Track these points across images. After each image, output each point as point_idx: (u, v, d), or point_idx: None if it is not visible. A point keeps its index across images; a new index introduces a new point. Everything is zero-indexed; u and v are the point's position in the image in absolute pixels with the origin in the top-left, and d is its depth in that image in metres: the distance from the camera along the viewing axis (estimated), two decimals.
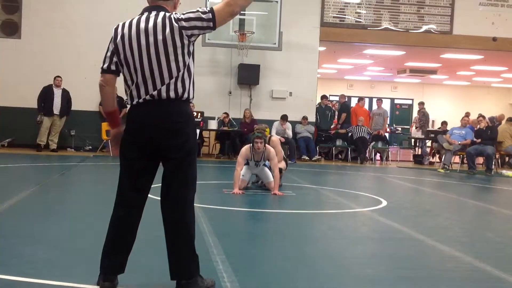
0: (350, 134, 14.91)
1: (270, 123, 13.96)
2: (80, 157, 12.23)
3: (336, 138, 15.05)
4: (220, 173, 11.32)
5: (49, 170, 9.99)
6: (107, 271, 3.20)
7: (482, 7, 15.18)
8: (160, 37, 3.07)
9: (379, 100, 16.78)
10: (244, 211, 6.33)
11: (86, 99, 13.78)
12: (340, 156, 15.34)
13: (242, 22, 13.20)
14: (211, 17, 3.08)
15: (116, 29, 3.20)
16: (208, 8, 3.09)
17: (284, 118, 13.80)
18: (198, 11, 3.09)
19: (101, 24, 13.94)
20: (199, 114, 13.39)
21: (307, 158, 14.05)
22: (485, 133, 13.03)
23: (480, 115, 14.49)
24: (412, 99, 27.86)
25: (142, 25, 3.12)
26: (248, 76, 14.20)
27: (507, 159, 15.17)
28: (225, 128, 13.60)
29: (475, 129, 13.70)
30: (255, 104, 14.50)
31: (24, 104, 13.44)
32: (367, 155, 14.72)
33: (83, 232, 4.83)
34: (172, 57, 3.09)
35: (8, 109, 13.57)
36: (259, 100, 14.59)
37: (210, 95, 14.29)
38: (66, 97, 13.24)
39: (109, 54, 3.22)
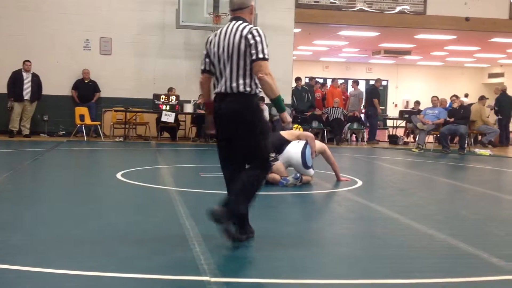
0: (326, 115, 14.97)
1: None
2: (53, 142, 12.06)
3: (312, 119, 15.10)
4: (196, 156, 11.29)
5: (22, 156, 9.83)
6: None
7: None
8: (234, 45, 3.83)
9: (355, 82, 16.84)
10: (221, 194, 6.32)
11: (58, 83, 13.57)
12: (316, 138, 15.40)
13: (216, 4, 13.05)
14: (262, 62, 3.81)
15: (208, 37, 4.05)
16: (266, 57, 3.84)
17: (261, 100, 13.74)
18: (263, 50, 3.83)
19: (76, 8, 13.72)
20: (175, 97, 13.28)
21: None
22: (458, 113, 13.21)
23: (454, 95, 14.66)
24: (387, 80, 28.07)
25: (222, 34, 3.92)
26: None
27: (479, 137, 15.41)
28: (201, 111, 13.52)
29: (449, 108, 13.86)
30: None
31: None
32: (342, 136, 14.82)
33: (57, 218, 4.78)
34: (242, 61, 3.83)
35: None
36: None
37: (186, 79, 14.18)
38: (36, 82, 12.98)
39: (203, 57, 4.03)
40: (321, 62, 26.88)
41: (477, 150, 13.28)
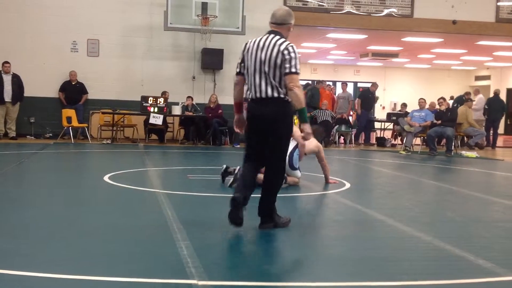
0: (314, 117, 15.00)
1: None
2: (40, 144, 11.96)
3: None
4: (184, 158, 11.26)
5: (8, 159, 9.74)
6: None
7: None
8: (272, 58, 4.28)
9: (344, 83, 16.88)
10: (209, 197, 6.31)
11: (45, 85, 13.47)
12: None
13: (204, 6, 13.05)
14: (294, 75, 4.23)
15: (246, 44, 4.49)
16: (298, 71, 4.26)
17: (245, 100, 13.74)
18: (296, 65, 4.23)
19: (63, 9, 13.63)
20: (163, 99, 13.23)
21: None
22: (445, 115, 13.29)
23: (441, 98, 14.76)
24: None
25: (260, 45, 4.36)
26: (212, 60, 14.08)
27: (466, 140, 15.52)
28: (189, 113, 13.50)
29: (437, 111, 13.94)
30: (220, 89, 14.42)
31: None
32: (331, 138, 14.86)
33: (43, 221, 4.74)
34: (278, 72, 4.28)
35: None
36: (223, 85, 14.48)
37: (174, 80, 14.16)
38: (17, 83, 12.82)
39: (239, 61, 4.54)
40: (309, 65, 26.94)
41: (464, 152, 13.36)
